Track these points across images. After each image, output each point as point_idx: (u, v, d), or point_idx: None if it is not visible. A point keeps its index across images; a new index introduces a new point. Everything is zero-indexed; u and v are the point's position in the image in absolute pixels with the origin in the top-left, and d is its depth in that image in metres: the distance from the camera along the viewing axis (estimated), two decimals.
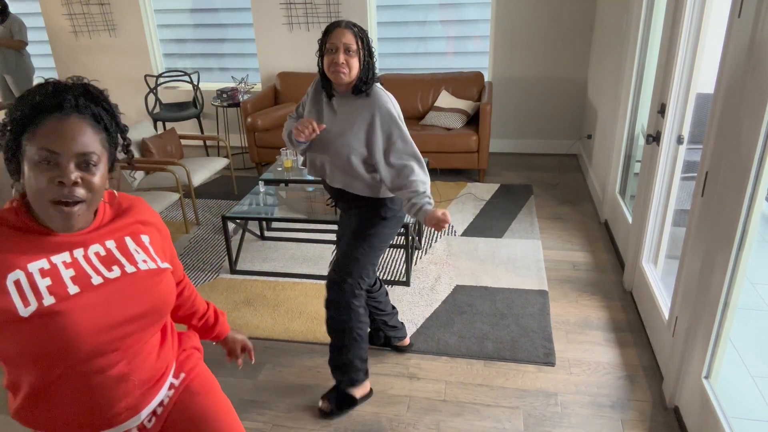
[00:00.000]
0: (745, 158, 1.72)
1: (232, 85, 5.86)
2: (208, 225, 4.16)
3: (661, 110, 2.65)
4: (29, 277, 1.06)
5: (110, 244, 1.18)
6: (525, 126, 5.37)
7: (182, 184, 3.99)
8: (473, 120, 4.93)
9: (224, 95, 5.31)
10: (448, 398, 2.42)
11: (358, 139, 2.08)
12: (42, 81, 1.10)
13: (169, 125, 6.20)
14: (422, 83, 5.08)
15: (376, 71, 2.10)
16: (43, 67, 6.24)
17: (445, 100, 4.97)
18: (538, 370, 2.56)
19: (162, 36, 5.81)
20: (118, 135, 1.18)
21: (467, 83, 5.01)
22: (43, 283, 1.06)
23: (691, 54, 2.43)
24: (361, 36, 2.03)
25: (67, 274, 1.10)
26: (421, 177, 2.07)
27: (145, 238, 1.25)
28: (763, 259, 3.37)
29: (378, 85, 2.11)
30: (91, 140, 1.06)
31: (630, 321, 2.87)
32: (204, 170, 4.20)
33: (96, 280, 1.12)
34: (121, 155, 1.20)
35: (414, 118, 5.16)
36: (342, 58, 1.98)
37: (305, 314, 3.03)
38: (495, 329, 2.83)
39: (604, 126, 4.09)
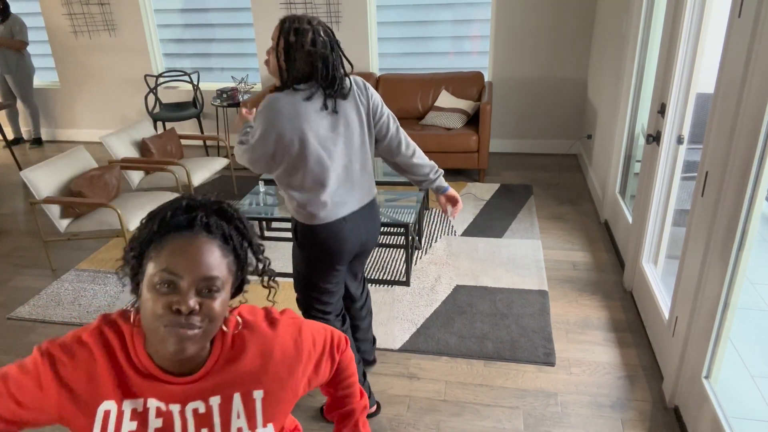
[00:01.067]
0: (745, 158, 1.72)
1: (232, 85, 5.86)
2: None
3: (661, 110, 2.65)
4: (119, 414, 1.00)
5: (214, 401, 1.04)
6: (525, 126, 5.37)
7: (182, 184, 3.99)
8: (473, 120, 4.93)
9: (224, 95, 5.31)
10: (448, 398, 2.42)
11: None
12: (181, 196, 1.02)
13: (169, 125, 6.20)
14: (422, 83, 5.08)
15: (295, 75, 1.87)
16: (43, 67, 6.24)
17: (445, 100, 4.97)
18: (538, 370, 2.56)
19: (162, 36, 5.81)
20: (250, 256, 1.08)
21: (467, 83, 5.01)
22: (128, 426, 1.00)
23: (691, 54, 2.43)
24: (284, 33, 1.82)
25: (154, 424, 1.01)
26: (239, 147, 2.00)
27: (257, 395, 1.07)
28: (763, 259, 3.37)
29: (281, 94, 1.88)
30: (217, 263, 0.97)
31: (630, 321, 2.87)
32: (204, 170, 4.20)
33: None
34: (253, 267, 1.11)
35: (414, 118, 5.16)
36: (268, 50, 1.94)
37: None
38: (495, 329, 2.83)
39: (604, 126, 4.09)
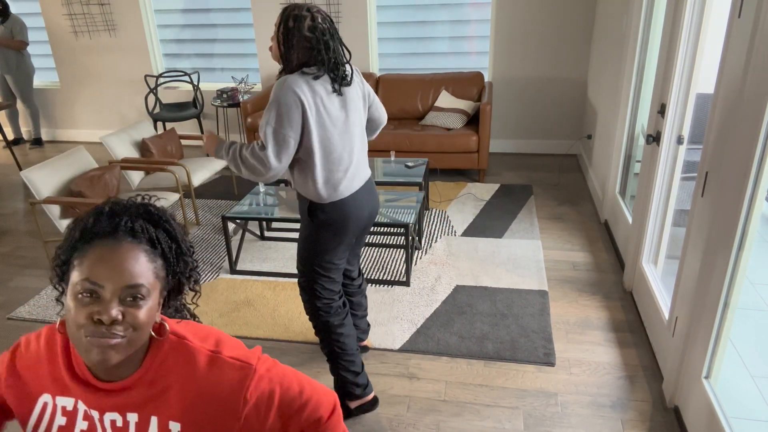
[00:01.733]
0: (745, 158, 1.72)
1: (232, 85, 5.86)
2: (208, 225, 4.16)
3: (661, 110, 2.65)
4: (53, 408, 1.02)
5: (131, 417, 1.00)
6: (525, 126, 5.37)
7: (182, 184, 3.99)
8: (473, 120, 4.93)
9: (224, 95, 5.31)
10: (448, 398, 2.42)
11: None
12: (105, 201, 1.00)
13: (169, 125, 6.20)
14: (422, 83, 5.08)
15: (309, 59, 1.93)
16: (43, 67, 6.24)
17: (445, 100, 4.97)
18: (538, 370, 2.56)
19: (162, 36, 5.81)
20: (181, 260, 1.03)
21: (467, 83, 5.01)
22: (58, 421, 1.02)
23: (691, 54, 2.43)
24: (284, 18, 1.91)
25: (79, 426, 1.01)
26: (248, 152, 1.95)
27: (174, 427, 1.00)
28: (763, 259, 3.37)
29: (292, 78, 1.91)
30: (142, 270, 0.93)
31: (630, 321, 2.87)
32: (204, 170, 4.20)
33: None
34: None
35: (414, 118, 5.16)
36: (272, 36, 2.01)
37: (305, 314, 3.03)
38: (495, 329, 2.83)
39: (604, 126, 4.09)
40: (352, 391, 2.30)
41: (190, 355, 1.01)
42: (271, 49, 2.01)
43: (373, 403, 2.35)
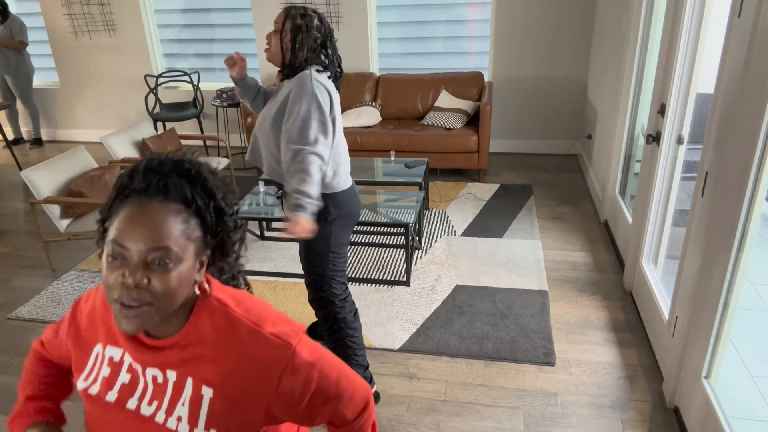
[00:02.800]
0: (745, 158, 1.72)
1: (232, 85, 5.86)
2: None
3: (661, 110, 2.65)
4: (102, 358, 1.02)
5: (171, 375, 0.98)
6: (525, 126, 5.37)
7: None
8: (473, 120, 4.93)
9: (224, 95, 5.31)
10: (448, 398, 2.42)
11: (274, 121, 2.01)
12: (146, 158, 0.96)
13: (169, 125, 6.20)
14: (422, 83, 5.08)
15: (313, 58, 1.98)
16: (43, 67, 6.24)
17: (445, 100, 4.97)
18: (538, 370, 2.56)
19: (162, 36, 5.81)
20: (222, 219, 0.98)
21: (467, 83, 5.01)
22: (103, 372, 1.01)
23: (691, 54, 2.43)
24: (291, 16, 1.96)
25: (122, 378, 1.00)
26: (301, 167, 1.91)
27: (206, 392, 0.96)
28: (763, 259, 3.37)
29: (314, 72, 1.96)
30: (170, 231, 0.88)
31: (630, 321, 2.87)
32: None
33: (132, 403, 0.99)
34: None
35: (414, 118, 5.16)
36: (268, 35, 2.00)
37: (305, 314, 3.02)
38: (495, 329, 2.83)
39: (604, 126, 4.09)
40: None
41: (231, 323, 0.97)
42: (268, 49, 2.01)
43: (376, 398, 2.37)
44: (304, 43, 1.97)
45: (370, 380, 2.37)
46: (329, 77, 2.02)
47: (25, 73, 5.74)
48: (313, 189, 1.93)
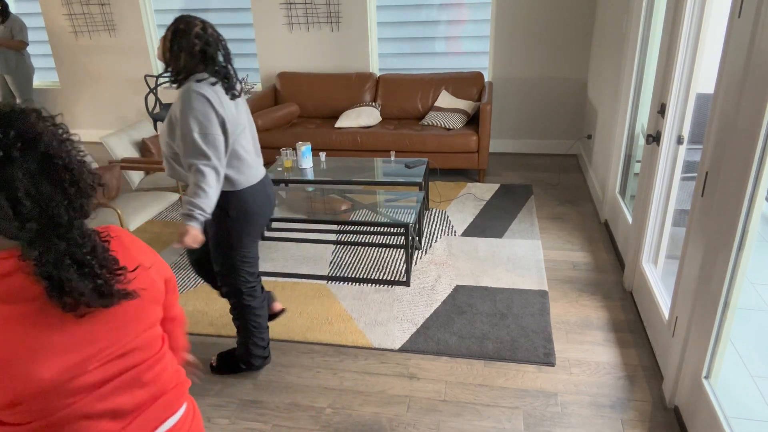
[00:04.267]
0: (745, 158, 1.72)
1: None
2: None
3: (661, 110, 2.65)
4: None
5: None
6: (525, 126, 5.37)
7: (182, 184, 3.99)
8: (473, 120, 4.93)
9: None
10: (448, 398, 2.42)
11: (167, 134, 2.12)
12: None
13: None
14: (422, 83, 5.08)
15: (193, 64, 2.05)
16: (43, 67, 6.24)
17: (445, 100, 4.97)
18: (538, 370, 2.56)
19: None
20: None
21: (467, 83, 5.01)
22: None
23: (691, 54, 2.43)
24: (176, 22, 2.05)
25: None
26: (195, 181, 2.00)
27: None
28: (763, 259, 3.37)
29: (194, 84, 2.02)
30: None
31: (630, 321, 2.87)
32: None
33: None
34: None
35: (414, 118, 5.16)
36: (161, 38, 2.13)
37: (305, 314, 3.03)
38: (495, 329, 2.83)
39: (604, 126, 4.09)
40: (253, 361, 2.57)
41: None
42: (158, 48, 2.15)
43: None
44: (182, 48, 2.03)
45: (267, 357, 2.61)
46: (213, 84, 2.05)
47: (24, 72, 5.74)
48: (205, 202, 2.02)
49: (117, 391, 1.06)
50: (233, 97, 2.13)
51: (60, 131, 0.96)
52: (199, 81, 2.04)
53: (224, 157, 2.09)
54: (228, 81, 2.11)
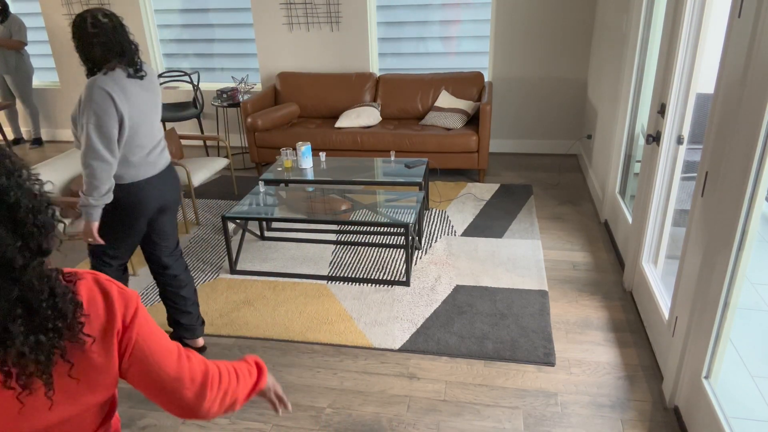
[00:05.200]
0: (745, 158, 1.72)
1: (232, 85, 5.86)
2: (208, 225, 4.16)
3: (661, 110, 2.65)
4: None
5: None
6: (525, 126, 5.37)
7: (182, 184, 3.99)
8: (473, 120, 4.93)
9: (224, 95, 5.31)
10: (448, 398, 2.42)
11: (74, 113, 2.21)
12: None
13: (169, 125, 6.20)
14: (422, 83, 5.08)
15: (94, 55, 2.14)
16: (43, 67, 6.23)
17: (445, 100, 4.97)
18: (538, 370, 2.56)
19: (162, 36, 5.81)
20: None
21: (467, 83, 5.01)
22: None
23: (691, 54, 2.43)
24: (72, 23, 2.12)
25: None
26: (86, 176, 2.13)
27: None
28: (763, 259, 3.37)
29: (99, 77, 2.11)
30: None
31: (630, 321, 2.87)
32: (204, 170, 4.20)
33: None
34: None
35: (414, 118, 5.16)
36: None
37: (305, 314, 3.03)
38: (495, 329, 2.83)
39: (604, 126, 4.09)
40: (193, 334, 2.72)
41: None
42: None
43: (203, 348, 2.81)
44: (83, 44, 2.12)
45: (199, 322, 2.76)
46: (113, 69, 2.13)
47: (24, 72, 5.74)
48: (94, 195, 2.14)
49: None
50: (141, 78, 2.23)
51: (7, 161, 0.85)
52: (106, 74, 2.13)
53: (118, 152, 2.17)
54: (134, 65, 2.21)
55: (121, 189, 2.27)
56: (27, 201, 0.85)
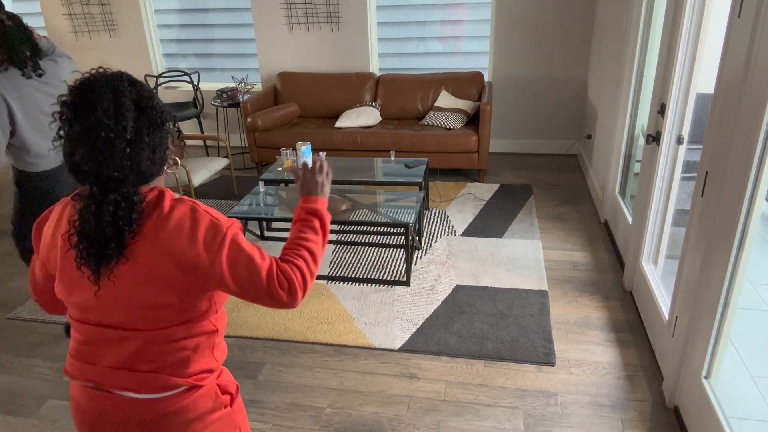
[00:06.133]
0: (745, 158, 1.72)
1: (232, 85, 5.86)
2: None
3: (661, 110, 2.65)
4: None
5: None
6: (525, 126, 5.37)
7: (182, 184, 3.99)
8: (473, 120, 4.93)
9: (224, 95, 5.31)
10: (448, 398, 2.42)
11: None
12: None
13: None
14: (422, 83, 5.08)
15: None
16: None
17: (445, 100, 4.97)
18: (538, 370, 2.56)
19: (162, 36, 5.81)
20: None
21: (467, 83, 5.01)
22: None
23: (691, 54, 2.43)
24: None
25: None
26: None
27: None
28: (763, 259, 3.37)
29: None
30: None
31: (630, 321, 2.87)
32: (204, 170, 4.20)
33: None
34: None
35: (414, 118, 5.16)
36: None
37: (305, 314, 3.03)
38: (495, 329, 2.83)
39: (604, 126, 4.09)
40: None
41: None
42: None
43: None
44: None
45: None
46: (7, 69, 2.30)
47: None
48: None
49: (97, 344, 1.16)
50: (40, 75, 2.39)
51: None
52: (3, 72, 2.30)
53: (4, 144, 2.34)
54: (31, 64, 2.36)
55: (36, 177, 2.48)
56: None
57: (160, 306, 1.11)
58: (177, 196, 1.18)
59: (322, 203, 1.37)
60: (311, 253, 1.27)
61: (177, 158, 1.20)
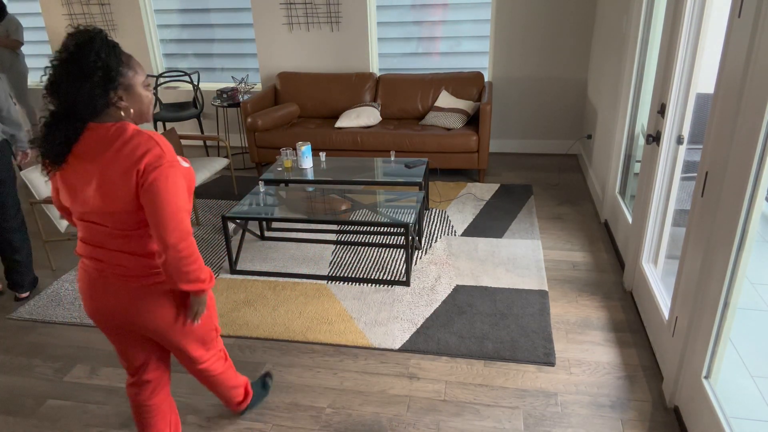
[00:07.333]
0: (745, 158, 1.72)
1: (232, 85, 5.86)
2: (208, 225, 4.16)
3: (661, 110, 2.65)
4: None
5: None
6: (525, 126, 5.37)
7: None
8: (473, 120, 4.93)
9: (224, 95, 5.31)
10: (448, 398, 2.42)
11: None
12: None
13: (169, 125, 6.20)
14: (422, 83, 5.08)
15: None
16: (42, 67, 6.23)
17: (445, 100, 4.97)
18: (538, 370, 2.56)
19: (162, 36, 5.81)
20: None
21: (467, 83, 5.01)
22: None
23: (691, 54, 2.43)
24: None
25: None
26: None
27: None
28: (763, 259, 3.37)
29: None
30: None
31: (630, 321, 2.87)
32: (204, 170, 4.20)
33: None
34: None
35: (414, 118, 5.16)
36: None
37: (305, 314, 3.03)
38: (495, 329, 2.83)
39: (604, 126, 4.09)
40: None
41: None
42: None
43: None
44: None
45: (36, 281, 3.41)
46: None
47: (18, 71, 5.74)
48: None
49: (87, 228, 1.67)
50: None
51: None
52: None
53: None
54: None
55: None
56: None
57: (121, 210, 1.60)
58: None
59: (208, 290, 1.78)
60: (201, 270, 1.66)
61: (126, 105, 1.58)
